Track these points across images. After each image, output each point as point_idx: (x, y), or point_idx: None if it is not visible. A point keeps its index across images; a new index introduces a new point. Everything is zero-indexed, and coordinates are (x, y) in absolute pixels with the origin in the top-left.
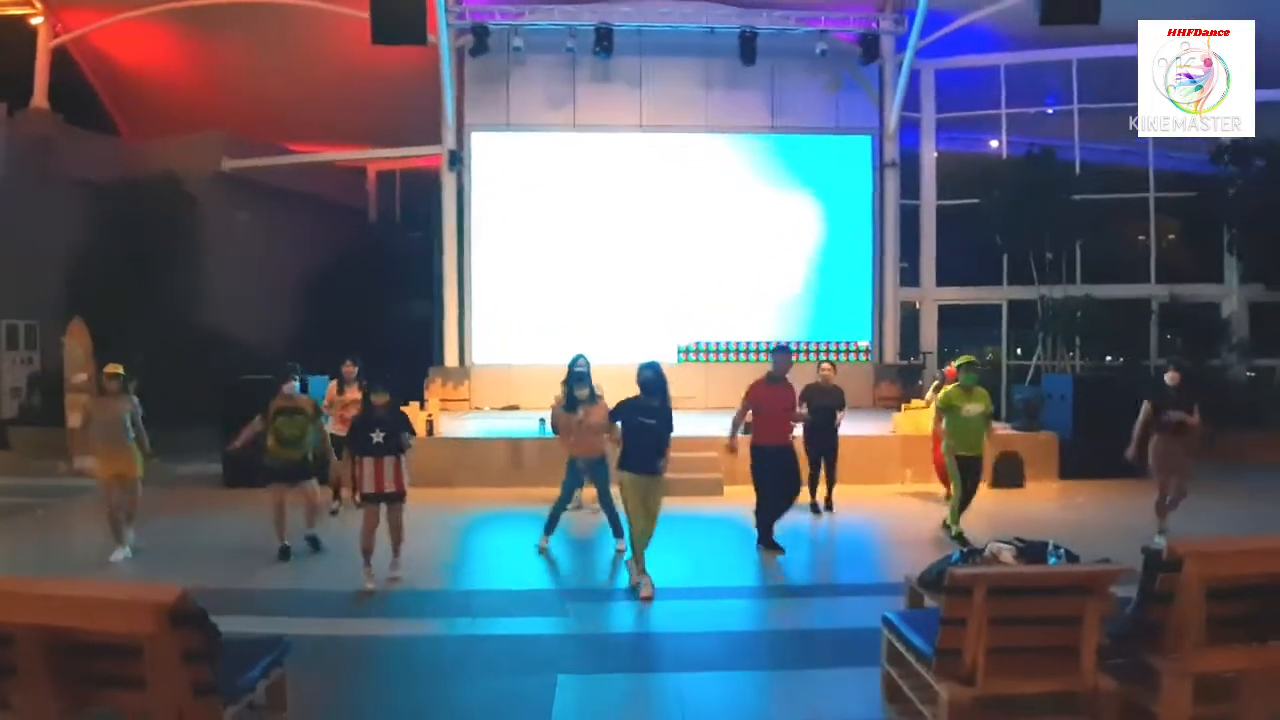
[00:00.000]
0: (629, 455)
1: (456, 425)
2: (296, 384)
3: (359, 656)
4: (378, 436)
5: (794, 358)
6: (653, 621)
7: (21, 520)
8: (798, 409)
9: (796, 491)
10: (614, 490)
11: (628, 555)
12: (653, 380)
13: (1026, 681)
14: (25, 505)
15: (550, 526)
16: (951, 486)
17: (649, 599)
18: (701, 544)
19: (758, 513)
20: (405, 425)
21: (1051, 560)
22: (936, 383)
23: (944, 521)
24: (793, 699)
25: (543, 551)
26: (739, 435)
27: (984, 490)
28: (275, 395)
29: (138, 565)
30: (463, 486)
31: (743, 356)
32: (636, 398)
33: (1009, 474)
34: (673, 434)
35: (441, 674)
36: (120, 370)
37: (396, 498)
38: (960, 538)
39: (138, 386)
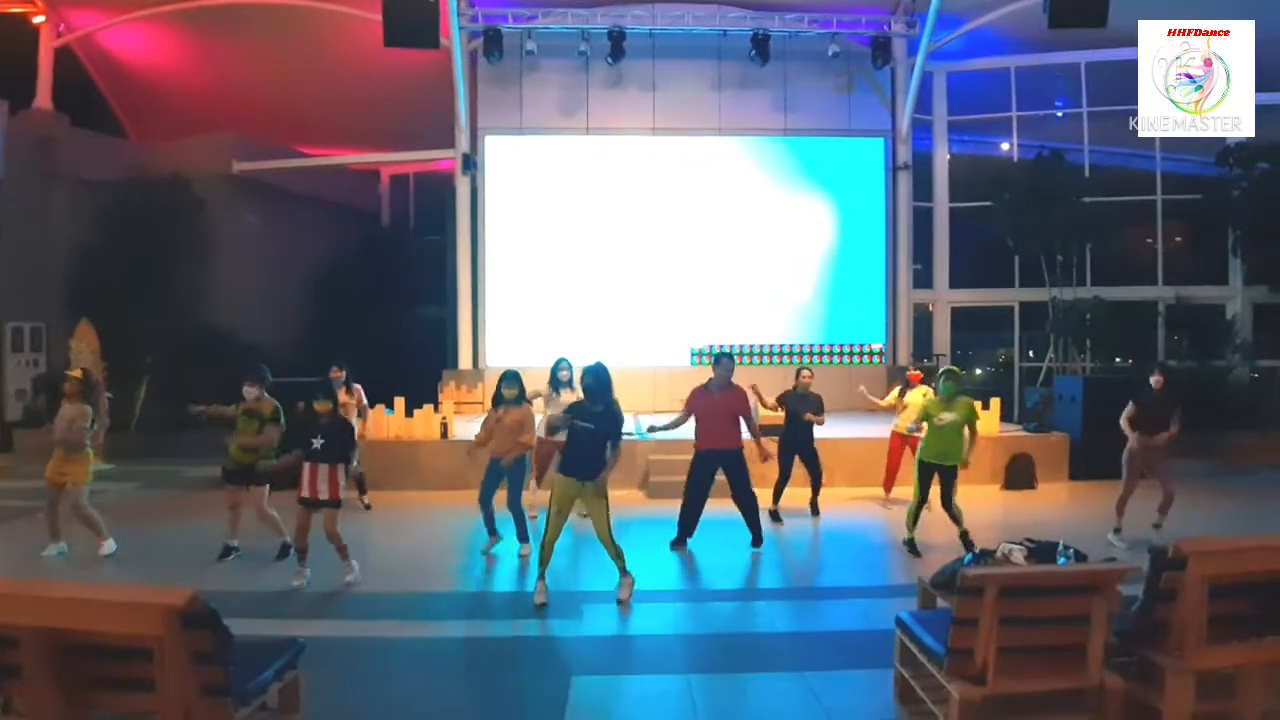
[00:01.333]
0: (564, 457)
1: (470, 428)
2: (259, 388)
3: (372, 658)
4: (317, 443)
5: (738, 360)
6: (665, 623)
7: (24, 523)
8: (755, 410)
9: (749, 499)
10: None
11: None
12: (594, 386)
13: (1036, 680)
14: (29, 508)
15: (490, 527)
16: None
17: (542, 605)
18: (710, 547)
19: (681, 511)
20: (346, 435)
21: (1061, 560)
22: (900, 386)
23: (903, 538)
24: (805, 700)
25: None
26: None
27: (995, 492)
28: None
29: (145, 568)
30: (474, 489)
31: (756, 359)
32: (581, 401)
33: (1021, 475)
34: (615, 442)
35: (455, 676)
36: (77, 375)
37: (329, 504)
38: (910, 544)
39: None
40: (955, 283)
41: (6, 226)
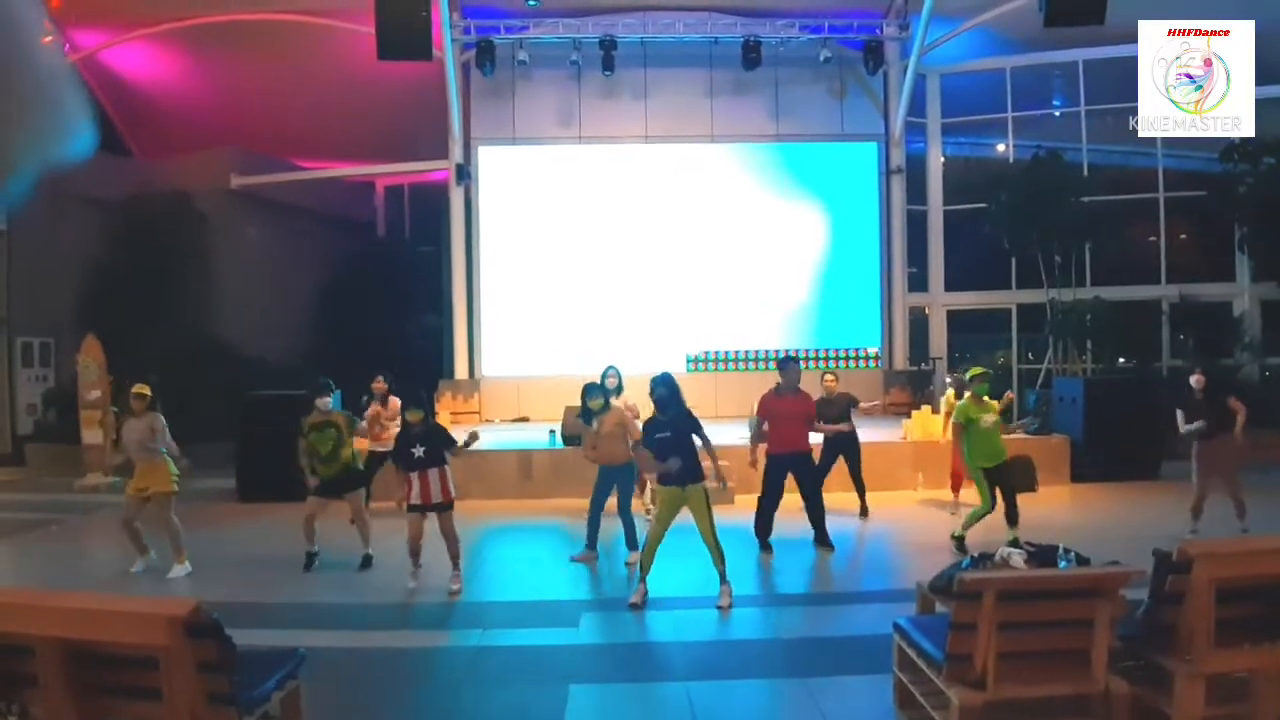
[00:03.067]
0: (660, 473)
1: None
2: (331, 399)
3: (373, 668)
4: (418, 451)
5: (802, 365)
6: (664, 630)
7: (37, 535)
8: (816, 421)
9: (817, 501)
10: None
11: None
12: (665, 396)
13: (1038, 685)
14: (41, 520)
15: (591, 540)
16: (979, 496)
17: (636, 606)
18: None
19: (757, 514)
20: (444, 437)
21: (1062, 564)
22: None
23: (952, 533)
24: (804, 706)
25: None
26: (759, 447)
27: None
28: (310, 412)
29: (154, 579)
30: (474, 499)
31: (752, 365)
32: (652, 416)
33: (1021, 477)
34: (704, 439)
35: (454, 685)
36: (145, 391)
37: (444, 507)
38: (960, 541)
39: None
40: (951, 285)
41: (16, 243)
